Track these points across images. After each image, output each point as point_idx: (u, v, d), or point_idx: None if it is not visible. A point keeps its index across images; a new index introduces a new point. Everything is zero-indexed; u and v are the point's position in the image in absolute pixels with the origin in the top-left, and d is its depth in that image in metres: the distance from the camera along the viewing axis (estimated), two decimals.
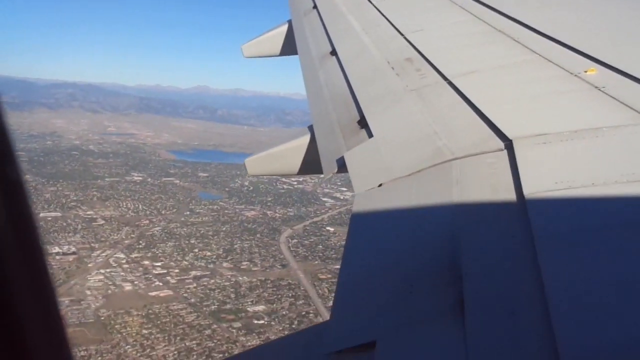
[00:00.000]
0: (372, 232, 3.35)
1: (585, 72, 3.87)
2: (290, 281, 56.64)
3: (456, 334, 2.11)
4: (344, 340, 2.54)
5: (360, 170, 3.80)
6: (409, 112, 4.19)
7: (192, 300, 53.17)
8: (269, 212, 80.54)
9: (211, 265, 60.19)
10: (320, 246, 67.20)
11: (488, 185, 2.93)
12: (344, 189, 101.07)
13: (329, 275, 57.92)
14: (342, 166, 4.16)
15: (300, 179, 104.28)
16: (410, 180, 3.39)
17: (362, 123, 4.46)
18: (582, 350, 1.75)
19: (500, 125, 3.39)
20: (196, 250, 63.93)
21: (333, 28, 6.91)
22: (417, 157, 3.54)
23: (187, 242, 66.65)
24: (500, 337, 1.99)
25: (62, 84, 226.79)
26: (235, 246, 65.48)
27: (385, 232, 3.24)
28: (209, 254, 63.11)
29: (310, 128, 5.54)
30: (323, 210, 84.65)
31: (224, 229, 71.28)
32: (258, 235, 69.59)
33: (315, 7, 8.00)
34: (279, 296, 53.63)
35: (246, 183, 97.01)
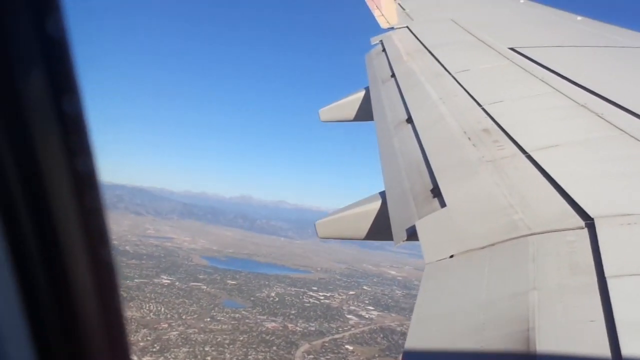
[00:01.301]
0: (440, 306, 3.30)
1: None
2: None
3: None
4: None
5: (431, 240, 3.75)
6: (484, 183, 4.08)
7: None
8: (289, 325, 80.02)
9: None
10: None
11: (567, 264, 2.80)
12: (371, 307, 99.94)
13: None
14: (412, 234, 4.18)
15: (328, 294, 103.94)
16: (483, 253, 3.27)
17: (435, 192, 4.40)
18: None
19: (581, 202, 3.23)
20: (209, 358, 63.71)
21: (410, 96, 6.89)
22: (492, 230, 3.42)
23: (201, 349, 66.64)
24: None
25: (112, 186, 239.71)
26: (250, 357, 64.91)
27: (455, 307, 3.19)
28: None
29: (382, 194, 5.58)
30: (346, 328, 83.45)
31: (241, 338, 71.12)
32: (274, 348, 68.95)
33: (393, 75, 7.97)
34: None
35: (272, 294, 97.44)
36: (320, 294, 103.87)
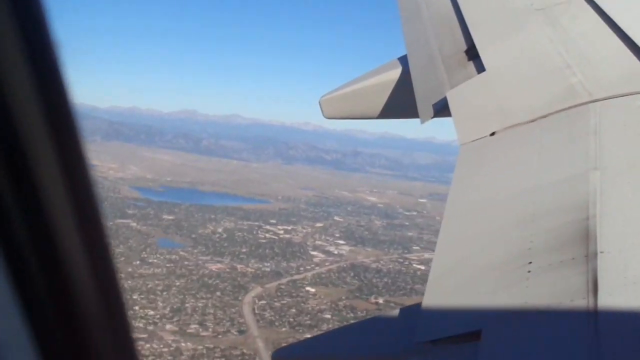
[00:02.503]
0: (480, 195, 3.30)
1: None
2: (245, 351, 57.70)
3: (586, 323, 2.08)
4: (440, 327, 2.66)
5: (467, 114, 3.75)
6: (533, 38, 3.95)
7: None
8: (239, 266, 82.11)
9: (151, 327, 61.61)
10: (294, 310, 68.37)
11: (638, 137, 2.76)
12: (342, 242, 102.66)
13: None
14: (442, 108, 4.11)
15: (290, 228, 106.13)
16: (532, 128, 3.28)
17: (471, 53, 4.30)
18: None
19: None
20: (137, 307, 65.46)
21: None
22: (543, 98, 3.40)
23: (128, 297, 68.29)
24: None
25: None
26: (187, 305, 66.92)
27: (499, 196, 3.19)
28: (151, 312, 64.64)
29: (402, 60, 5.41)
30: (308, 267, 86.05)
31: (177, 283, 72.94)
32: (218, 294, 71.06)
33: None
34: None
35: (219, 230, 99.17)
36: (280, 227, 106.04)
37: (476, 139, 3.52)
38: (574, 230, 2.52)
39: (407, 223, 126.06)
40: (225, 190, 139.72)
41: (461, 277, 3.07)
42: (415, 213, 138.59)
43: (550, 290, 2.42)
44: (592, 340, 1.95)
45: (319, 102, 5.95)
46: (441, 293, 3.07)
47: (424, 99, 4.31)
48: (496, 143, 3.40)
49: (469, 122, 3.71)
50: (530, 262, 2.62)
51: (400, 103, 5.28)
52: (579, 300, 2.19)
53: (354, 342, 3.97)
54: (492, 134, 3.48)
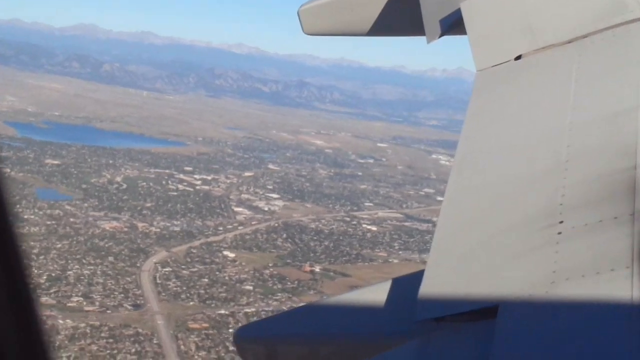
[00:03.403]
0: (499, 135, 3.38)
1: None
2: (141, 330, 58.04)
3: (629, 298, 2.18)
4: (446, 303, 2.78)
5: (486, 32, 3.79)
6: None
7: None
8: (140, 225, 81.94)
9: None
10: (206, 280, 68.93)
11: None
12: (275, 195, 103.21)
13: (205, 325, 59.54)
14: (454, 23, 4.12)
15: (210, 178, 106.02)
16: (568, 51, 3.31)
17: None
18: None
19: None
20: None
21: None
22: (583, 14, 3.42)
23: None
24: None
25: None
26: (69, 273, 66.65)
27: (523, 136, 3.27)
28: None
29: None
30: (229, 227, 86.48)
31: (59, 245, 72.47)
32: (111, 259, 70.98)
33: None
34: (112, 353, 54.88)
35: (118, 179, 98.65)
36: (197, 177, 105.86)
37: (497, 64, 3.54)
38: (618, 181, 2.55)
39: (360, 173, 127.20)
40: (129, 129, 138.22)
41: (474, 240, 3.08)
42: (371, 160, 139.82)
43: (586, 256, 2.45)
44: (638, 320, 2.01)
45: (298, 13, 5.96)
46: (448, 260, 3.09)
47: (432, 12, 4.33)
48: (522, 69, 3.40)
49: (489, 42, 3.72)
50: (562, 222, 2.65)
51: (400, 16, 5.29)
52: (620, 270, 2.22)
53: (336, 319, 4.11)
54: (518, 57, 3.50)
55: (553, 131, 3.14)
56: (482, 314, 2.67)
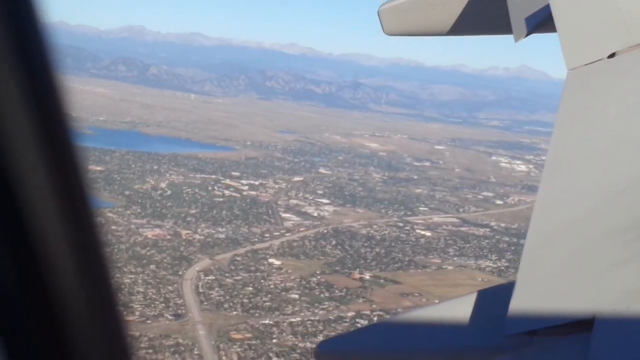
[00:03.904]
0: (594, 138, 3.36)
1: None
2: (181, 340, 57.87)
3: None
4: (538, 315, 2.77)
5: (577, 29, 3.74)
6: None
7: None
8: (184, 232, 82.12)
9: None
10: (250, 288, 68.60)
11: None
12: (325, 200, 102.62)
13: (248, 335, 59.10)
14: (543, 21, 4.10)
15: (257, 183, 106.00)
16: None
17: None
18: None
19: None
20: None
21: None
22: None
23: None
24: None
25: None
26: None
27: (620, 138, 3.25)
28: None
29: None
30: (276, 233, 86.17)
31: None
32: (152, 267, 71.08)
33: None
34: None
35: (163, 184, 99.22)
36: (244, 182, 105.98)
37: (590, 62, 3.45)
38: None
39: (415, 177, 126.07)
40: (176, 134, 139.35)
41: (567, 250, 3.01)
42: (428, 164, 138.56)
43: None
44: None
45: (378, 13, 6.02)
46: (540, 271, 3.03)
47: (519, 8, 4.32)
48: (616, 67, 3.32)
49: (580, 39, 3.67)
50: None
51: (484, 14, 5.41)
52: None
53: (419, 335, 4.08)
54: (612, 55, 3.41)
55: None
56: (577, 327, 2.63)
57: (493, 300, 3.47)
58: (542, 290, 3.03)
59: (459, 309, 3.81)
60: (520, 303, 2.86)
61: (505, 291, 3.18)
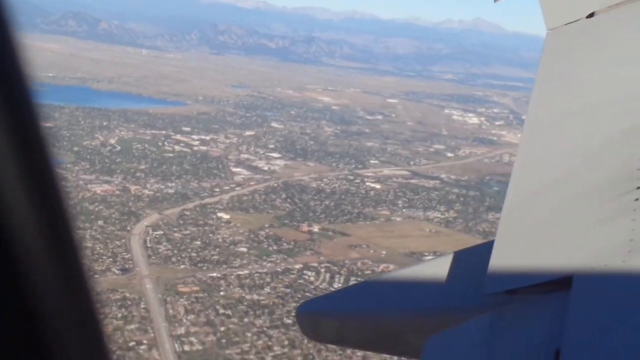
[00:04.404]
0: (573, 97, 3.37)
1: None
2: (128, 294, 58.63)
3: None
4: (517, 274, 2.81)
5: None
6: None
7: None
8: (133, 188, 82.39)
9: None
10: (198, 242, 69.39)
11: None
12: (276, 154, 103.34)
13: (195, 288, 60.03)
14: None
15: (208, 138, 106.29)
16: None
17: None
18: None
19: None
20: None
21: None
22: None
23: None
24: None
25: None
26: None
27: (599, 98, 3.27)
28: None
29: None
30: (226, 188, 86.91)
31: None
32: (100, 223, 71.47)
33: None
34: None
35: (113, 140, 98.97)
36: (195, 137, 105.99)
37: (569, 22, 3.48)
38: None
39: (367, 130, 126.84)
40: (127, 89, 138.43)
41: (546, 209, 3.07)
42: (380, 117, 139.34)
43: None
44: None
45: None
46: (519, 230, 3.08)
47: None
48: (595, 27, 3.35)
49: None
50: (639, 188, 2.66)
51: None
52: None
53: (401, 294, 4.20)
54: (590, 15, 3.48)
55: (629, 92, 3.12)
56: (556, 285, 2.69)
57: (472, 260, 3.56)
58: (521, 250, 3.06)
59: (438, 269, 3.93)
60: (500, 262, 2.88)
61: (484, 251, 3.25)
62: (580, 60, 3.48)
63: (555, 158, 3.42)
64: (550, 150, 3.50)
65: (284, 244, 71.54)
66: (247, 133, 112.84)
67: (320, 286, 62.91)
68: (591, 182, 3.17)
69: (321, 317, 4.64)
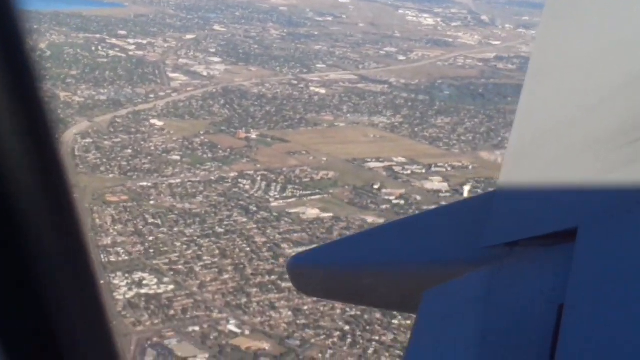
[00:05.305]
0: (577, 43, 3.47)
1: None
2: None
3: None
4: (518, 226, 2.82)
5: None
6: None
7: None
8: (63, 95, 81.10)
9: None
10: (129, 151, 68.89)
11: None
12: (216, 59, 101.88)
13: (124, 197, 59.75)
14: None
15: (145, 42, 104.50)
16: None
17: None
18: None
19: None
20: None
21: None
22: None
23: None
24: None
25: None
26: None
27: (603, 43, 3.36)
28: None
29: None
30: (162, 94, 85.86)
31: None
32: None
33: None
34: None
35: (43, 45, 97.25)
36: (131, 41, 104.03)
37: None
38: None
39: (316, 33, 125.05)
40: None
41: (548, 159, 3.06)
42: (330, 19, 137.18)
43: None
44: None
45: None
46: (520, 179, 3.05)
47: None
48: None
49: None
50: None
51: None
52: None
53: (397, 247, 4.13)
54: None
55: (634, 39, 3.15)
56: (559, 238, 2.67)
57: (471, 211, 3.55)
58: (523, 201, 3.11)
59: (436, 220, 4.04)
60: (500, 214, 2.94)
61: (484, 202, 3.32)
62: (583, 6, 3.66)
63: (558, 106, 3.45)
64: (553, 99, 3.52)
65: (220, 151, 71.01)
66: (188, 36, 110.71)
67: (256, 195, 62.80)
68: (595, 132, 3.21)
69: (313, 270, 4.56)
